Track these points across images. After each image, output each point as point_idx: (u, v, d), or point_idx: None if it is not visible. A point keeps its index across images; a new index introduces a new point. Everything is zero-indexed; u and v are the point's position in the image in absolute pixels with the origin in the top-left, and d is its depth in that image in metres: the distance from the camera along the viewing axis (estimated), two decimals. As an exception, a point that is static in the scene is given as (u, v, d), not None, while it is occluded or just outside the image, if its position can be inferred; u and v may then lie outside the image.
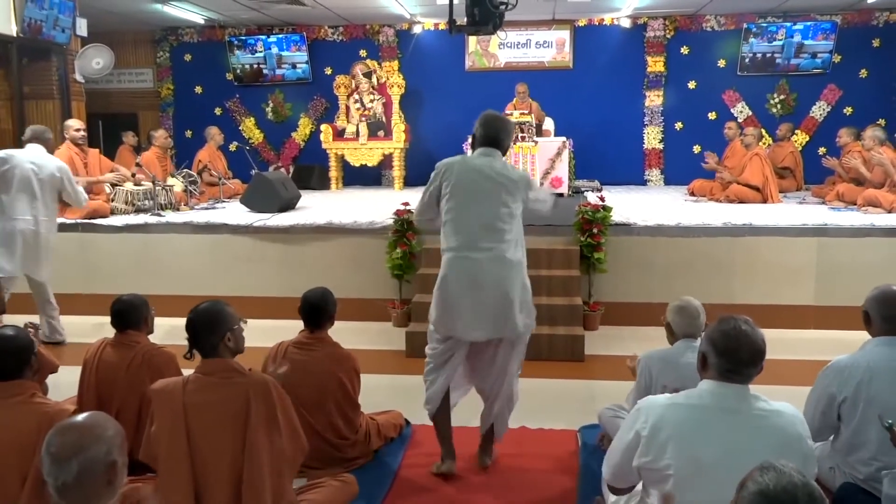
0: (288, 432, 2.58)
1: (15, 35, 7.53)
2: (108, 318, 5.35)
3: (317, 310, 3.38)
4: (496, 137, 3.39)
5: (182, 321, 2.65)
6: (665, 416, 2.24)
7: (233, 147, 10.34)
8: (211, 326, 2.57)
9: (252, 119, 11.03)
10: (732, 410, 2.20)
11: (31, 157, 5.44)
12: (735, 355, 2.20)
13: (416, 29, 10.49)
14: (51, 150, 5.72)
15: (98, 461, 1.69)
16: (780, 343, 5.45)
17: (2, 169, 5.31)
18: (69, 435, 1.71)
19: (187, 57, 11.07)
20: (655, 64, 10.21)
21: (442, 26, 10.51)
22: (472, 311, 3.22)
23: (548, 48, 10.49)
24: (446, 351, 3.36)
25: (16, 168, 5.33)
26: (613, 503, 2.71)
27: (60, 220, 6.54)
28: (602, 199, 6.17)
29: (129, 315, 3.29)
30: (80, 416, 1.79)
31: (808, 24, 9.79)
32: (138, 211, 6.89)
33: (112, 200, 6.84)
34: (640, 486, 2.51)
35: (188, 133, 10.93)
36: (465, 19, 4.77)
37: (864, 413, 2.69)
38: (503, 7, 4.74)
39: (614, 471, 2.41)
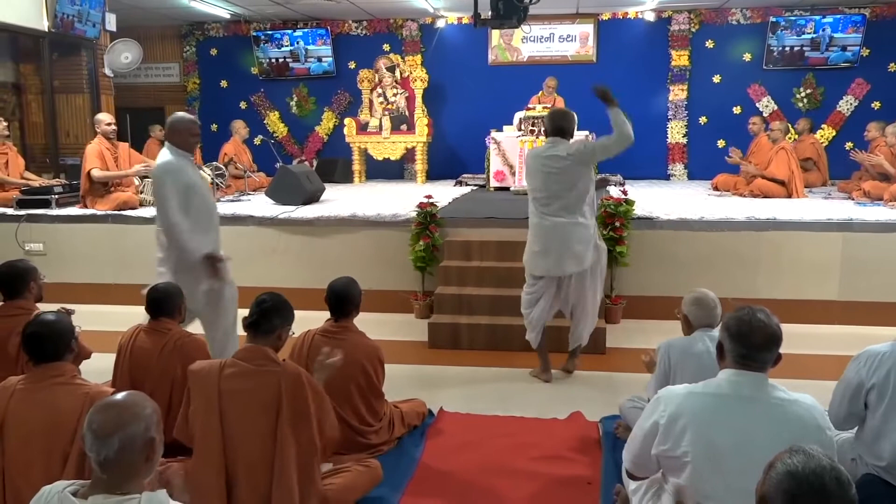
0: (320, 423, 2.65)
1: (47, 30, 7.69)
2: (139, 308, 5.48)
3: (342, 299, 3.45)
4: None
5: None
6: (683, 405, 2.28)
7: (257, 141, 10.46)
8: (273, 314, 2.72)
9: (276, 113, 11.15)
10: (749, 399, 2.24)
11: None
12: (748, 339, 2.24)
13: (440, 23, 10.52)
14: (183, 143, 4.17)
15: (137, 437, 1.76)
16: (804, 338, 5.45)
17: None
18: (110, 412, 1.78)
19: (213, 51, 11.21)
20: (680, 58, 10.15)
21: (465, 20, 10.54)
22: None
23: (571, 42, 10.48)
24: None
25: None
26: (633, 490, 2.74)
27: (91, 211, 6.71)
28: (625, 192, 6.17)
29: (163, 303, 3.38)
30: (119, 395, 1.86)
31: (838, 17, 9.67)
32: (166, 202, 7.00)
33: (141, 192, 6.97)
34: (659, 475, 2.55)
35: (213, 127, 11.06)
36: (490, 13, 4.80)
37: (892, 402, 2.69)
38: (528, 1, 4.77)
39: (634, 459, 2.46)
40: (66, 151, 8.55)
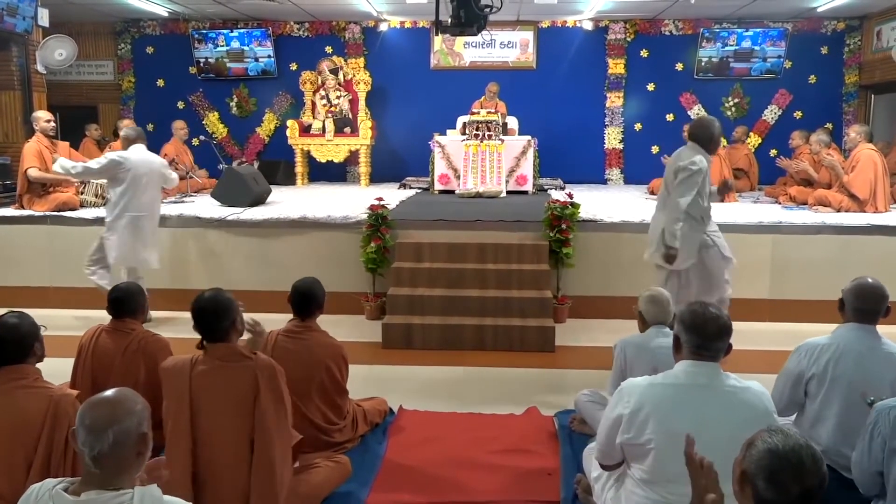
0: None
1: (-24, 23, 7.38)
2: (79, 311, 5.34)
3: (306, 299, 3.48)
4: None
5: (157, 314, 2.73)
6: (645, 395, 2.44)
7: (196, 141, 10.27)
8: (222, 313, 2.68)
9: (216, 113, 10.96)
10: (705, 387, 2.41)
11: (141, 155, 5.79)
12: (703, 330, 2.43)
13: (383, 27, 10.57)
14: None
15: (131, 432, 1.78)
16: (736, 335, 5.70)
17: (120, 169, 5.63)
18: (103, 408, 1.79)
19: (149, 49, 10.94)
20: (616, 66, 10.49)
21: (408, 24, 10.62)
22: None
23: (512, 48, 10.69)
24: None
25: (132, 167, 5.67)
26: (596, 478, 2.88)
27: (28, 212, 6.50)
28: (570, 196, 6.37)
29: (127, 303, 3.34)
30: (109, 392, 1.86)
31: (759, 30, 10.19)
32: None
33: (81, 193, 6.78)
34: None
35: (150, 126, 10.76)
36: (451, 20, 4.90)
37: (829, 390, 2.92)
38: (488, 10, 4.90)
39: (602, 448, 2.59)
40: (-4, 150, 8.23)
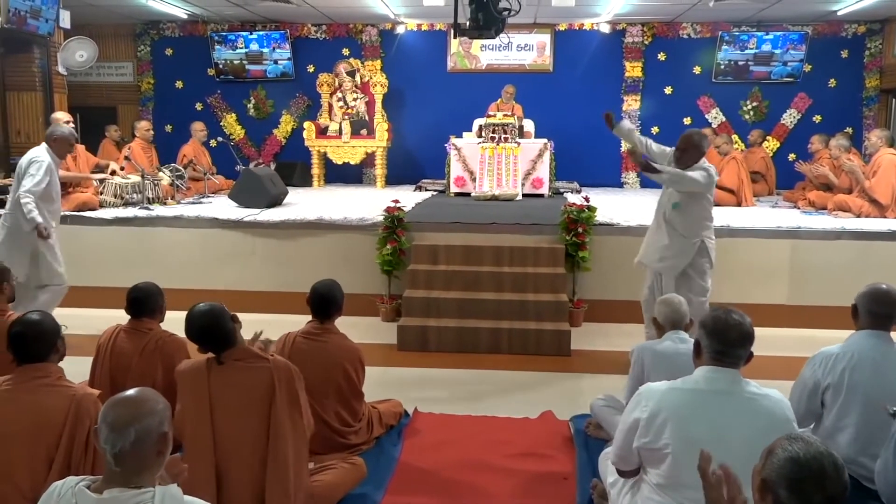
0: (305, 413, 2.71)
1: (-1, 26, 7.48)
2: (97, 311, 5.39)
3: (326, 301, 3.49)
4: None
5: (173, 315, 2.75)
6: (663, 400, 2.42)
7: (213, 143, 10.33)
8: (222, 320, 2.69)
9: (233, 115, 11.03)
10: (724, 393, 2.40)
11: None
12: (724, 335, 2.41)
13: (400, 29, 10.60)
14: (59, 150, 5.34)
15: (153, 430, 1.79)
16: (754, 341, 5.69)
17: None
18: (124, 407, 1.81)
19: (168, 51, 11.03)
20: (633, 69, 10.44)
21: (425, 27, 10.64)
22: None
23: (529, 51, 10.67)
24: None
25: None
26: (612, 483, 2.87)
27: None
28: (587, 199, 6.35)
29: (145, 303, 3.37)
30: (131, 391, 1.88)
31: (778, 34, 10.11)
32: (126, 204, 6.90)
33: (101, 193, 6.85)
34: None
35: (168, 128, 10.89)
36: (469, 23, 4.90)
37: (847, 399, 2.89)
38: (506, 13, 4.90)
39: (619, 454, 2.58)
40: (17, 151, 8.32)
